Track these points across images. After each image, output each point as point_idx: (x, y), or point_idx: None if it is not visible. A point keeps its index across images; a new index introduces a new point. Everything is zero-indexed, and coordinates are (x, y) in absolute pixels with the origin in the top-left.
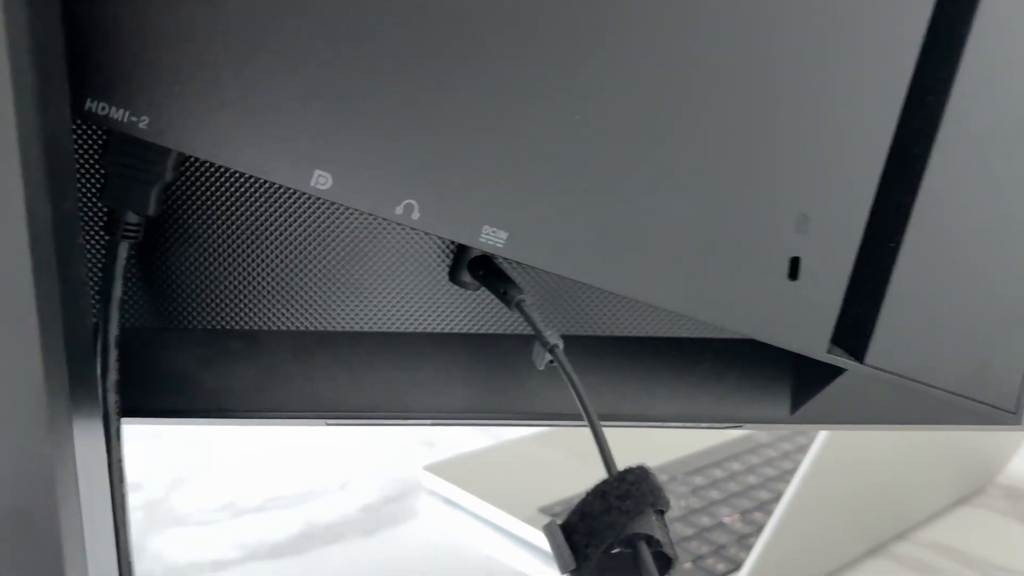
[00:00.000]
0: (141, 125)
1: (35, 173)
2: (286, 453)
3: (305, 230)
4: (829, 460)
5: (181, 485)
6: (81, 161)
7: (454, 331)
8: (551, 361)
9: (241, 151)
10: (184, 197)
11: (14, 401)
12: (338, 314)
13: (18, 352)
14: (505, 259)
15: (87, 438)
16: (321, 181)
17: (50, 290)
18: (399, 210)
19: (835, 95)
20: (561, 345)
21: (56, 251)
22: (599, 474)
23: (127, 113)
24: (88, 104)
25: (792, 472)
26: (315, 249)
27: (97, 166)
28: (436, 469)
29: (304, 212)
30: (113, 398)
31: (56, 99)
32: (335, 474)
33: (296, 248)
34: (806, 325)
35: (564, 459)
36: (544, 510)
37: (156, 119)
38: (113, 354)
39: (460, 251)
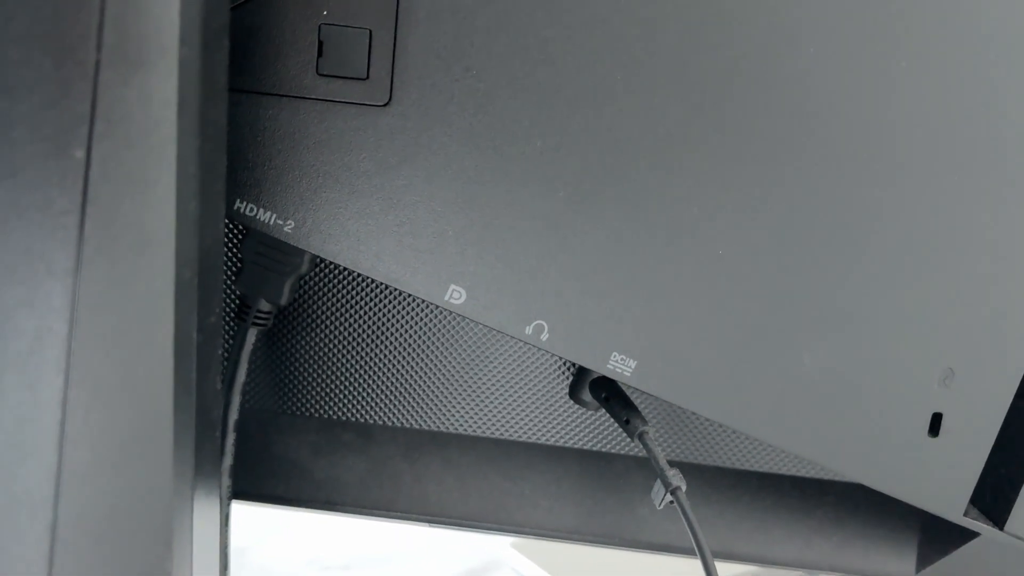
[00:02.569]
0: (287, 228)
1: (186, 294)
2: None
3: (430, 331)
4: None
5: (268, 535)
6: None
7: (567, 445)
8: (671, 502)
9: (381, 261)
10: (315, 288)
11: (140, 506)
12: (453, 416)
13: (149, 466)
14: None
15: (203, 528)
16: (455, 296)
17: (186, 403)
18: (528, 330)
19: (999, 251)
20: (683, 487)
21: (197, 366)
22: (695, 570)
23: (274, 216)
24: (237, 205)
25: None
26: (437, 350)
27: (235, 252)
28: (522, 547)
29: (430, 314)
30: (226, 483)
31: (214, 219)
32: (422, 536)
33: (419, 347)
34: (944, 485)
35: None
36: None
37: (301, 224)
38: (231, 438)
39: (582, 369)
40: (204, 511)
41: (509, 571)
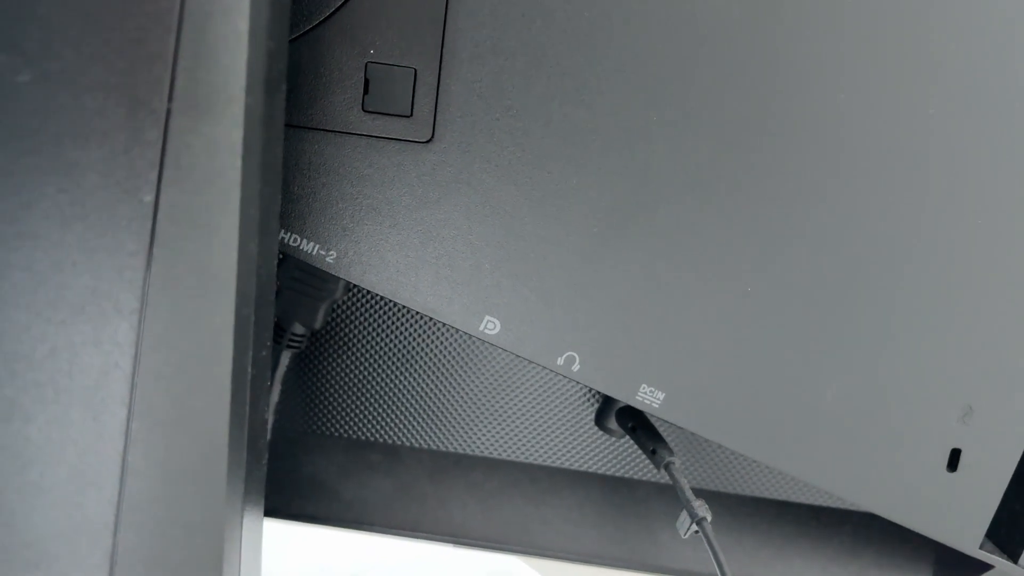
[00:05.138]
0: (329, 259)
1: (244, 331)
2: None
3: (457, 355)
4: None
5: (275, 544)
6: None
7: (590, 470)
8: (696, 532)
9: (418, 292)
10: (346, 312)
11: (194, 532)
12: (478, 439)
13: (203, 494)
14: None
15: (249, 553)
16: (489, 327)
17: (239, 435)
18: (560, 361)
19: (1021, 291)
20: (709, 518)
21: (250, 397)
22: None
23: (317, 247)
24: (281, 235)
25: None
26: (464, 374)
27: None
28: (536, 563)
29: (458, 339)
30: None
31: (269, 256)
32: (433, 547)
33: (446, 371)
34: (960, 519)
35: None
36: None
37: (343, 255)
38: (263, 458)
39: (608, 397)
40: (250, 536)
41: None
